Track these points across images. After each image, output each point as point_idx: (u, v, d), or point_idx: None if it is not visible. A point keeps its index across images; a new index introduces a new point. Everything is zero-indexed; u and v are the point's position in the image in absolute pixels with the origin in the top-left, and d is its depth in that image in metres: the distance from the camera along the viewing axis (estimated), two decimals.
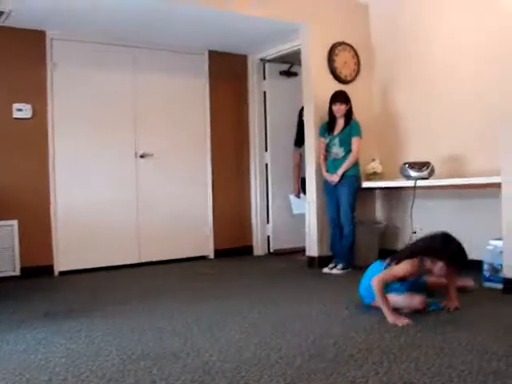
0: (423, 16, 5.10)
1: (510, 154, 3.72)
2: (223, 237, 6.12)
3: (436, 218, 4.93)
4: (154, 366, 2.38)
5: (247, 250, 6.29)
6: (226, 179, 6.18)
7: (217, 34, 5.53)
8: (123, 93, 5.57)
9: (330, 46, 5.32)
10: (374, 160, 5.29)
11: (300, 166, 5.94)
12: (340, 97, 4.91)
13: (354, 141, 4.87)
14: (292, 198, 6.10)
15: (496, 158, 3.89)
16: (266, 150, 6.36)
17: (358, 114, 5.02)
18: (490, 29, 4.50)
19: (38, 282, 4.77)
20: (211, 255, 6.07)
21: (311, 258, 5.26)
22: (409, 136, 5.28)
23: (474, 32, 4.65)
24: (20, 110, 4.99)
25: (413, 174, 4.61)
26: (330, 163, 4.97)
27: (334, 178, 4.88)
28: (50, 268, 5.11)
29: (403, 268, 3.13)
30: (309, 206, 5.29)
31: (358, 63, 5.51)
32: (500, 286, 3.82)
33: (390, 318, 3.00)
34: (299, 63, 5.50)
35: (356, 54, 5.49)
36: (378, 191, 5.56)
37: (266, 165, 6.37)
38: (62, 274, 5.15)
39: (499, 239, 3.87)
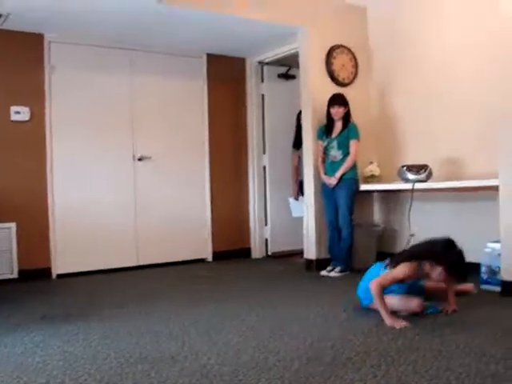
0: (421, 19, 5.10)
1: (508, 157, 3.73)
2: (221, 239, 6.12)
3: (434, 220, 4.94)
4: (151, 370, 2.38)
5: (245, 252, 6.28)
6: (224, 182, 6.18)
7: (215, 37, 5.53)
8: (121, 96, 5.57)
9: (328, 48, 5.33)
10: (371, 163, 5.29)
11: (299, 168, 5.95)
12: (338, 100, 4.91)
13: (352, 143, 4.87)
14: (291, 200, 6.10)
15: (494, 160, 3.90)
16: (264, 153, 6.37)
17: (355, 117, 5.03)
18: (489, 30, 4.50)
19: (35, 284, 4.77)
20: (209, 258, 6.06)
21: (309, 261, 5.26)
22: (407, 139, 5.28)
23: (472, 34, 4.65)
24: (18, 112, 4.98)
25: (411, 176, 4.61)
26: (328, 166, 4.98)
27: (332, 180, 4.88)
28: (48, 271, 5.11)
29: (402, 271, 3.13)
30: (307, 209, 5.29)
31: (356, 66, 5.52)
32: (498, 288, 3.82)
33: (388, 320, 3.00)
34: (297, 66, 5.51)
35: (354, 56, 5.50)
36: (375, 194, 5.56)
37: (264, 167, 6.37)
38: (59, 276, 5.14)
39: (497, 242, 3.88)
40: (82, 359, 2.56)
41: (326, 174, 4.99)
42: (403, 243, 5.03)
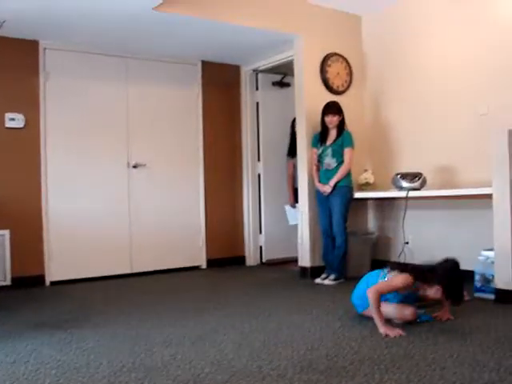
0: (414, 30, 5.14)
1: (501, 165, 3.75)
2: (216, 247, 6.11)
3: (428, 228, 4.95)
4: (145, 378, 2.36)
5: (240, 260, 6.28)
6: (219, 189, 6.18)
7: (210, 45, 5.55)
8: (116, 102, 5.57)
9: (323, 57, 5.36)
10: (366, 170, 5.31)
11: (294, 176, 5.95)
12: (333, 108, 4.92)
13: (347, 151, 4.88)
14: (287, 208, 6.10)
15: (488, 168, 3.91)
16: (259, 160, 6.37)
17: (350, 125, 5.04)
18: (481, 40, 4.55)
19: (29, 292, 4.74)
20: (204, 265, 6.05)
21: (303, 269, 5.26)
22: (401, 147, 5.30)
23: (465, 44, 4.69)
24: (12, 119, 4.98)
25: (405, 184, 4.63)
26: (323, 174, 4.98)
27: (327, 188, 4.89)
28: (42, 278, 5.09)
29: (401, 281, 3.13)
30: (301, 217, 5.29)
31: (351, 74, 5.54)
32: (492, 296, 3.83)
33: (382, 329, 3.00)
34: (292, 74, 5.53)
35: (348, 64, 5.53)
36: (370, 202, 5.58)
37: (259, 175, 6.37)
38: (53, 284, 5.12)
39: (491, 250, 3.89)
40: (75, 368, 2.54)
41: (320, 181, 4.99)
42: (397, 251, 5.05)
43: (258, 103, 6.38)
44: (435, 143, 4.92)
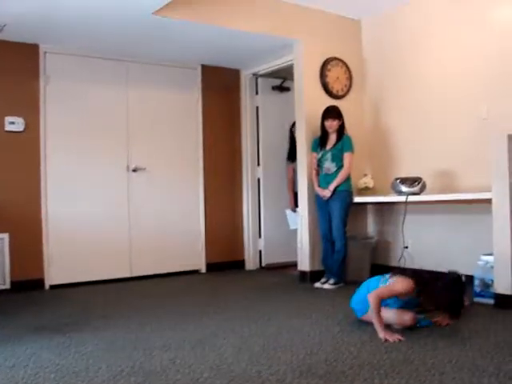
0: (414, 36, 5.15)
1: (500, 170, 3.75)
2: (215, 251, 6.11)
3: (427, 232, 4.95)
4: (144, 382, 2.36)
5: (239, 264, 6.28)
6: (218, 193, 6.19)
7: (210, 49, 5.56)
8: (116, 106, 5.57)
9: (323, 61, 5.37)
10: (365, 175, 5.32)
11: (294, 180, 5.95)
12: (332, 112, 4.92)
13: (346, 156, 4.89)
14: (288, 212, 6.10)
15: (487, 173, 3.91)
16: (259, 165, 6.38)
17: (349, 129, 5.04)
18: (480, 47, 4.56)
19: (28, 295, 4.74)
20: (203, 269, 6.05)
21: (303, 273, 5.26)
22: (401, 151, 5.31)
23: (464, 51, 4.70)
24: (12, 123, 4.98)
25: (404, 189, 4.63)
26: (322, 178, 4.99)
27: (326, 192, 4.89)
28: (41, 282, 5.08)
29: (402, 286, 3.13)
30: (301, 221, 5.29)
31: (350, 78, 5.55)
32: (491, 301, 3.83)
33: (382, 334, 3.00)
34: (292, 78, 5.54)
35: (348, 69, 5.54)
36: (369, 206, 5.58)
37: (258, 179, 6.38)
38: (52, 287, 5.11)
39: (490, 254, 3.88)
40: (74, 372, 2.54)
41: (319, 186, 5.00)
42: (397, 255, 5.05)
43: (257, 107, 6.39)
44: (435, 151, 4.92)
